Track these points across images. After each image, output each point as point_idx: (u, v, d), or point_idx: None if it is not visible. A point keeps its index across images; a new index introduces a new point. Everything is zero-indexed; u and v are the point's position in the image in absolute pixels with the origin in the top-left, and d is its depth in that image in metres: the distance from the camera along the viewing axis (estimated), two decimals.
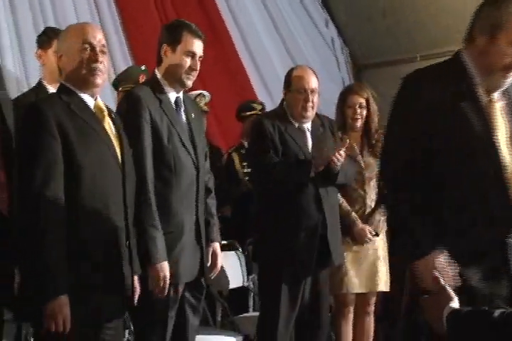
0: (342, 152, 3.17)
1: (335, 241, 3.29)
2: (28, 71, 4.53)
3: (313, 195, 3.22)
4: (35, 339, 2.31)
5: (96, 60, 2.25)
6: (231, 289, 3.97)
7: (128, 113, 2.60)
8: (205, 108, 4.51)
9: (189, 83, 2.76)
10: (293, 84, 3.32)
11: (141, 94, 2.66)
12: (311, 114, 3.32)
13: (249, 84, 6.27)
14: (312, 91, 3.28)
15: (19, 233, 2.09)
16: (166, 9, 5.73)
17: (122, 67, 4.78)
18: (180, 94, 2.80)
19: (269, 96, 6.07)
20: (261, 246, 3.41)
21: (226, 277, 3.85)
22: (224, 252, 3.95)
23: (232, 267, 3.94)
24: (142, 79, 3.87)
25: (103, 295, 2.16)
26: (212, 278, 2.91)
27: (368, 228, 3.60)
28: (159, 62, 2.77)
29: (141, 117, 2.60)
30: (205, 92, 4.57)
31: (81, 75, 2.25)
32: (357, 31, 7.35)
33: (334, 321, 3.65)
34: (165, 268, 2.56)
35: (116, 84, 4.01)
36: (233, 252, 4.09)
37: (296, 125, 3.34)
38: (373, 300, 3.74)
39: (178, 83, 2.74)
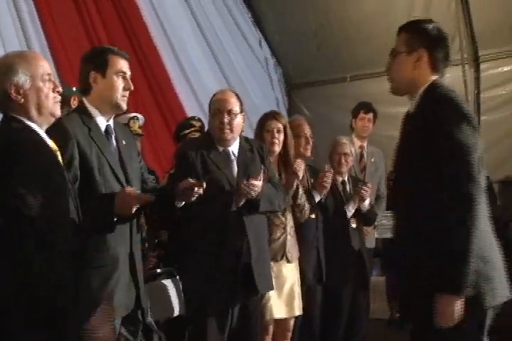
0: (255, 181, 3.10)
1: (260, 269, 3.22)
2: None
3: (236, 223, 3.16)
4: None
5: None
6: (169, 318, 3.90)
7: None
8: (140, 131, 4.39)
9: (124, 105, 2.75)
10: (211, 107, 3.32)
11: (68, 124, 2.59)
12: (229, 136, 3.24)
13: (180, 106, 6.26)
14: (228, 112, 3.22)
15: None
16: (98, 32, 5.65)
17: None
18: (111, 122, 2.77)
19: (204, 117, 6.05)
20: (184, 277, 3.38)
21: (163, 306, 3.76)
22: (161, 281, 3.93)
23: (169, 295, 3.84)
24: (74, 100, 3.79)
25: None
26: None
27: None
28: (87, 90, 2.74)
29: (68, 151, 2.52)
30: (139, 115, 4.48)
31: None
32: (289, 51, 7.48)
33: None
34: None
35: None
36: (170, 280, 4.01)
37: (221, 149, 3.28)
38: (292, 325, 3.75)
39: (113, 107, 2.72)
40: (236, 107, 3.27)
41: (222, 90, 3.48)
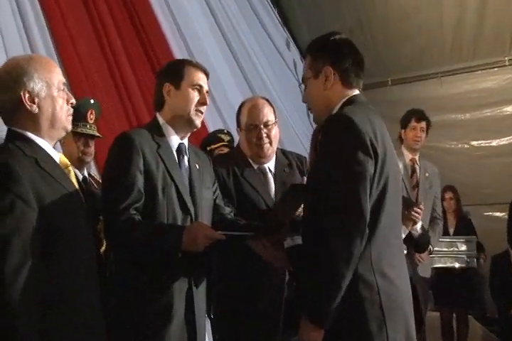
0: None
1: None
2: None
3: None
4: None
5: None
6: None
7: (118, 158, 2.38)
8: None
9: (198, 122, 2.54)
10: (242, 121, 3.00)
11: (135, 136, 2.42)
12: (269, 150, 2.97)
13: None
14: (265, 124, 2.94)
15: None
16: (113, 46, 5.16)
17: None
18: (185, 141, 2.58)
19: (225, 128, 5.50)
20: (215, 313, 3.09)
21: None
22: None
23: None
24: (91, 114, 3.47)
25: None
26: None
27: None
28: (160, 105, 2.57)
29: (133, 164, 2.35)
30: None
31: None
32: None
33: None
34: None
35: None
36: None
37: (256, 166, 2.99)
38: None
39: (186, 122, 2.52)
40: (271, 117, 2.99)
41: (252, 99, 3.14)
